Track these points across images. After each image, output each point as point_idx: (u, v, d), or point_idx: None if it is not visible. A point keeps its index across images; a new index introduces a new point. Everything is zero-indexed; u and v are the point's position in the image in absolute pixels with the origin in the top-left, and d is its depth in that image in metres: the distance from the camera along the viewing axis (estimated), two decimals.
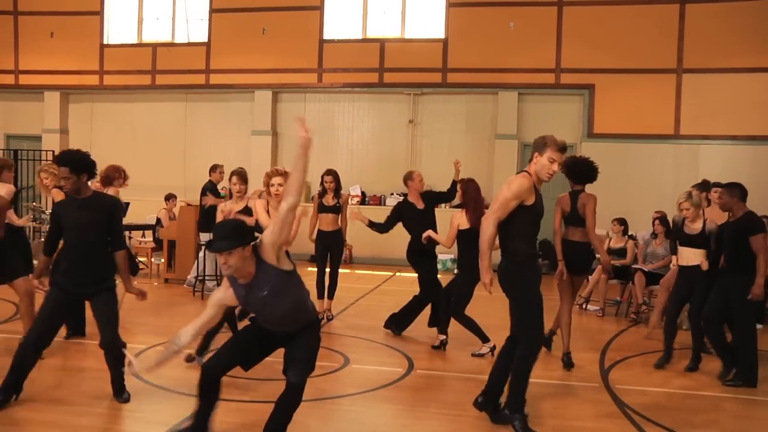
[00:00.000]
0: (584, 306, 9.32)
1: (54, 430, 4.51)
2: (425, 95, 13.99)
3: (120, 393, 5.02)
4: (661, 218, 8.87)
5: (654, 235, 8.98)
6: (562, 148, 4.47)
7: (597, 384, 5.87)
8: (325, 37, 14.21)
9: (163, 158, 14.60)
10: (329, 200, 7.93)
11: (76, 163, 4.74)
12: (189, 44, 14.85)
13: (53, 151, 15.03)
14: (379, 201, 13.56)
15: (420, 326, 7.37)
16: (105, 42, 15.17)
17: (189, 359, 5.97)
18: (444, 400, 5.26)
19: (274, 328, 4.02)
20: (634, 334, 7.67)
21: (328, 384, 5.59)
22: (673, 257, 6.94)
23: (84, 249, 4.79)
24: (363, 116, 14.35)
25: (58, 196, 6.65)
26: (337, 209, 7.96)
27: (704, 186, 7.41)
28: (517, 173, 5.02)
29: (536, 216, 4.57)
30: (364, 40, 14.17)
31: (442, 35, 13.78)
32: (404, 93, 14.01)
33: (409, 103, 14.01)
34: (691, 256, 6.25)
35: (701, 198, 6.53)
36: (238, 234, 3.75)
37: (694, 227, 6.27)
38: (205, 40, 14.69)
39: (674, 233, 6.61)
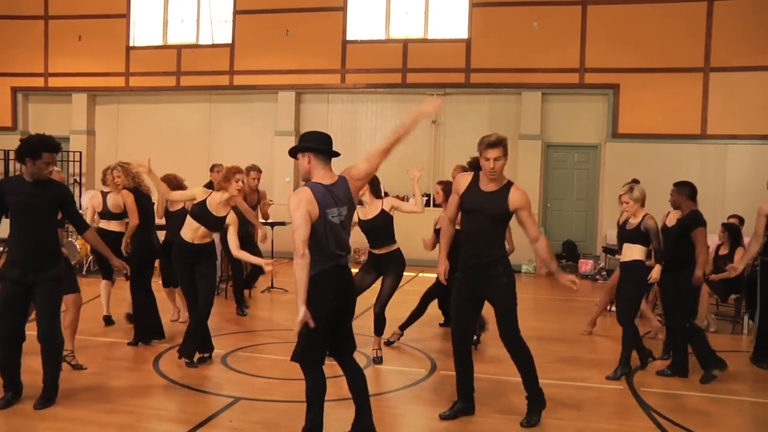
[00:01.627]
0: (609, 308, 9.24)
1: (78, 426, 4.58)
2: (448, 95, 13.96)
3: (47, 399, 4.82)
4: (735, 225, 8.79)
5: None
6: (490, 143, 4.58)
7: (622, 386, 5.82)
8: (348, 37, 14.25)
9: (188, 159, 14.72)
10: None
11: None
12: (213, 46, 14.99)
13: (80, 152, 15.30)
14: (403, 200, 13.58)
15: (443, 328, 7.37)
16: (131, 44, 15.36)
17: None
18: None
19: None
20: (651, 337, 7.58)
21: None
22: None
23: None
24: (386, 117, 14.36)
25: (128, 198, 6.85)
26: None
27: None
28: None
29: (463, 209, 4.76)
30: (387, 41, 14.19)
31: (465, 35, 13.75)
32: (427, 93, 13.97)
33: None
34: (628, 252, 6.12)
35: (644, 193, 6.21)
36: None
37: (633, 222, 6.10)
38: (229, 41, 14.82)
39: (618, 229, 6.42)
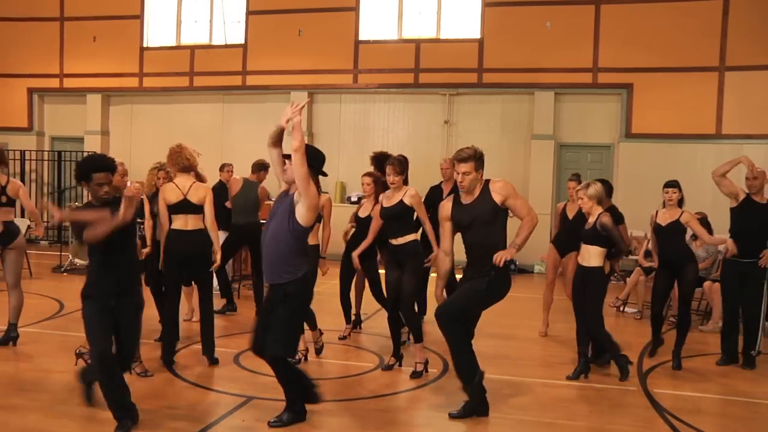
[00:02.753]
0: (622, 308, 9.19)
1: (93, 424, 4.61)
2: (461, 95, 13.93)
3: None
4: (702, 220, 8.68)
5: (694, 237, 8.81)
6: (459, 158, 4.72)
7: (635, 388, 5.78)
8: (361, 38, 14.25)
9: (201, 159, 14.72)
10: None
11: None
12: (226, 46, 15.04)
13: (94, 152, 15.40)
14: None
15: None
16: (145, 45, 15.44)
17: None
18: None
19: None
20: (673, 337, 7.50)
21: (362, 384, 5.60)
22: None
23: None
24: (398, 117, 14.35)
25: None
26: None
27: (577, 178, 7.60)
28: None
29: (459, 226, 4.89)
30: (400, 41, 14.17)
31: (477, 35, 13.71)
32: (440, 93, 13.97)
33: (445, 104, 13.97)
34: (584, 255, 5.87)
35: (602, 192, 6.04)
36: None
37: (590, 221, 5.88)
38: (242, 41, 14.86)
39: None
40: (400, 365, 6.01)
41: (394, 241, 5.85)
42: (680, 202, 6.40)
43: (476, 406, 4.84)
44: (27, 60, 15.93)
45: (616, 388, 5.77)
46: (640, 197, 10.81)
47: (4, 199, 6.43)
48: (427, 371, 5.84)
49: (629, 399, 5.52)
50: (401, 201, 5.77)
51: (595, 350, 6.18)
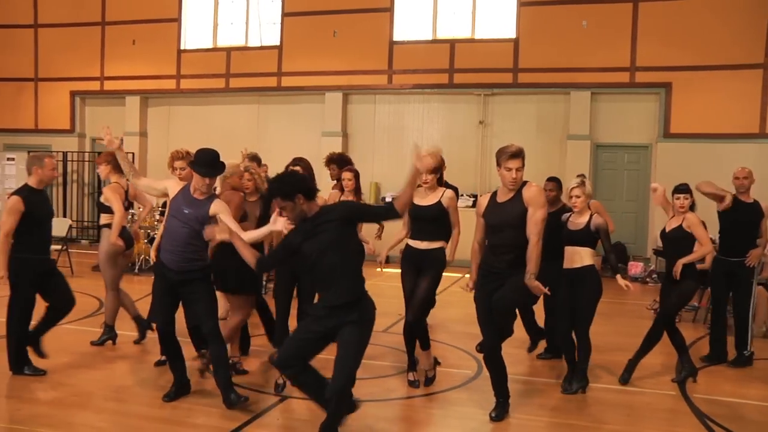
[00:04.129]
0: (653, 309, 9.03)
1: (132, 419, 4.69)
2: (496, 96, 13.85)
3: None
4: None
5: None
6: (512, 154, 4.64)
7: (674, 392, 5.68)
8: (395, 38, 14.26)
9: (236, 159, 14.93)
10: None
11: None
12: (262, 48, 15.17)
13: (133, 153, 15.66)
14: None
15: None
16: (182, 47, 15.66)
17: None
18: (513, 403, 5.16)
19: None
20: (702, 345, 7.34)
21: (396, 385, 5.60)
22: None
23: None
24: (433, 117, 14.32)
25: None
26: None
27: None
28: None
29: (488, 226, 4.81)
30: (434, 41, 14.14)
31: (513, 35, 13.61)
32: (474, 93, 13.91)
33: (480, 104, 13.90)
34: (574, 256, 5.55)
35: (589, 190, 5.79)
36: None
37: (579, 221, 5.58)
38: (278, 43, 14.97)
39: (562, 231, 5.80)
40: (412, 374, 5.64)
41: (418, 244, 5.34)
42: (691, 208, 6.01)
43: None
44: (70, 64, 16.29)
45: (654, 391, 5.67)
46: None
47: (126, 204, 6.66)
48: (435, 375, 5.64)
49: (667, 403, 5.42)
50: (439, 202, 5.34)
51: (548, 345, 6.21)
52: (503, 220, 4.70)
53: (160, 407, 4.95)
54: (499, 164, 4.71)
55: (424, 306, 5.35)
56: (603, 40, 12.95)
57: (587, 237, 5.54)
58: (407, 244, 5.48)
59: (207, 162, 4.87)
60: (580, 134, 13.14)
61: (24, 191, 5.56)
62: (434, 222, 5.38)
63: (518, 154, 4.65)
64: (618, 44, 12.92)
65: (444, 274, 5.49)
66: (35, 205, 5.51)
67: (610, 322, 8.31)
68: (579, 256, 5.55)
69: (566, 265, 5.60)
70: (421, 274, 5.34)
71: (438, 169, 5.40)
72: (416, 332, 5.42)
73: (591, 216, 5.57)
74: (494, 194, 4.86)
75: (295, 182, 4.21)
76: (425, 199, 5.38)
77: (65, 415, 4.77)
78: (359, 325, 4.08)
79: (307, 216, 4.15)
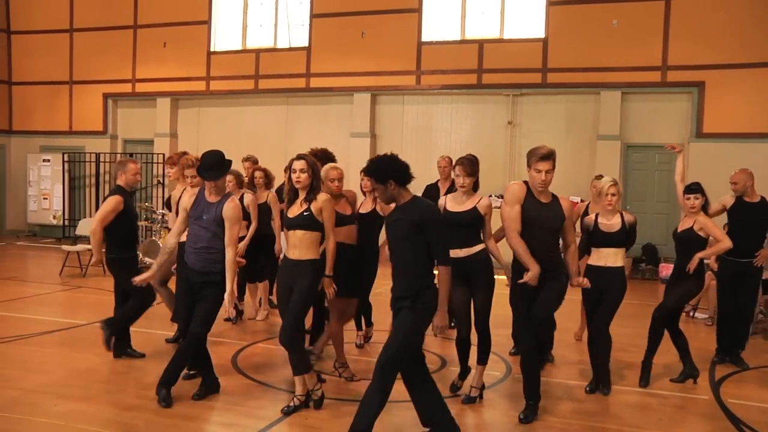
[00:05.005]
0: (692, 314, 8.88)
1: (162, 418, 4.73)
2: (524, 96, 13.74)
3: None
4: None
5: None
6: (543, 156, 4.64)
7: (707, 397, 5.57)
8: (424, 39, 14.22)
9: (265, 160, 14.80)
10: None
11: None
12: (290, 49, 15.25)
13: (164, 154, 15.84)
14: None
15: None
16: (212, 49, 15.81)
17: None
18: (541, 407, 5.10)
19: None
20: (748, 345, 7.20)
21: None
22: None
23: None
24: (461, 118, 14.25)
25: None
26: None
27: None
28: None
29: (527, 223, 4.71)
30: (463, 42, 14.08)
31: (542, 35, 13.50)
32: (503, 94, 13.81)
33: (508, 104, 13.81)
34: (608, 257, 5.48)
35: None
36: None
37: (613, 222, 5.48)
38: (306, 44, 15.03)
39: (584, 233, 5.70)
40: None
41: (458, 253, 4.96)
42: (703, 208, 5.94)
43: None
44: (103, 67, 16.55)
45: (687, 396, 5.57)
46: (712, 199, 10.42)
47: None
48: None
49: (700, 408, 5.32)
50: (475, 208, 5.10)
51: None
52: (543, 220, 4.69)
53: (188, 406, 4.99)
54: (529, 165, 4.70)
55: (488, 316, 5.15)
56: (634, 38, 12.77)
57: (624, 237, 5.50)
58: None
59: (210, 165, 4.97)
60: (610, 134, 12.97)
61: (122, 191, 6.04)
62: (470, 229, 5.13)
63: (549, 156, 4.64)
64: (649, 43, 12.74)
65: None
66: (129, 205, 6.05)
67: (639, 324, 8.17)
68: (614, 256, 5.49)
69: (596, 263, 5.53)
70: (473, 286, 5.09)
71: (475, 172, 5.18)
72: (484, 344, 5.20)
73: (622, 215, 5.50)
74: (529, 188, 4.76)
75: (389, 167, 4.28)
76: (461, 204, 5.15)
77: (96, 411, 4.83)
78: (411, 310, 4.16)
79: (398, 203, 4.30)
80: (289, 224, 4.90)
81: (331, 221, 4.93)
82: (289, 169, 4.90)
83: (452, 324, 7.19)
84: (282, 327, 4.84)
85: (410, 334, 4.18)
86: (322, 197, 4.88)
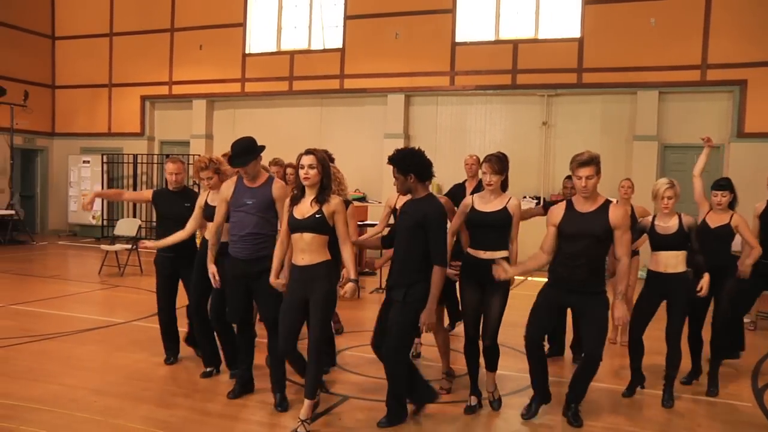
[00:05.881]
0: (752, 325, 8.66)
1: (197, 415, 4.78)
2: (559, 96, 13.61)
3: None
4: None
5: None
6: (582, 162, 4.57)
7: (749, 404, 5.43)
8: (458, 39, 14.17)
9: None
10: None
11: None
12: (324, 50, 15.32)
13: (199, 155, 16.02)
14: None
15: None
16: (247, 51, 15.96)
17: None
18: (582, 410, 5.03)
19: None
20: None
21: (461, 387, 5.52)
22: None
23: None
24: (495, 118, 14.17)
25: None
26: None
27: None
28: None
29: (563, 235, 4.68)
30: (497, 42, 13.99)
31: (577, 34, 13.35)
32: (538, 94, 13.70)
33: (543, 105, 13.68)
34: (669, 261, 5.28)
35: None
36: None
37: (670, 225, 5.30)
38: (340, 46, 15.09)
39: (638, 235, 5.60)
40: (481, 405, 5.12)
41: (479, 254, 4.86)
42: (731, 205, 5.84)
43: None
44: (141, 70, 16.85)
45: (728, 402, 5.43)
46: (752, 201, 10.17)
47: None
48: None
49: (743, 416, 5.18)
50: (505, 209, 4.86)
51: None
52: (582, 230, 4.58)
53: (224, 404, 5.02)
54: (572, 172, 4.64)
55: (498, 327, 4.92)
56: (672, 37, 12.55)
57: (682, 240, 5.30)
58: (467, 253, 4.97)
59: (239, 151, 4.86)
60: (647, 135, 12.77)
61: (158, 188, 6.29)
62: (498, 230, 4.89)
63: (588, 162, 4.55)
64: (688, 41, 12.50)
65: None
66: (161, 204, 5.97)
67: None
68: (675, 261, 5.29)
69: (657, 268, 5.36)
70: (488, 290, 4.85)
71: (503, 170, 4.92)
72: (492, 355, 5.00)
73: (680, 217, 5.34)
74: (569, 203, 4.73)
75: (413, 161, 4.49)
76: (489, 204, 4.90)
77: (133, 408, 4.89)
78: (402, 304, 4.45)
79: (413, 197, 4.50)
80: (297, 226, 4.46)
81: (345, 226, 4.55)
82: (297, 163, 4.59)
83: (453, 327, 7.16)
84: (311, 339, 4.46)
85: (405, 328, 4.48)
86: (335, 200, 4.50)
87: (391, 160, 4.54)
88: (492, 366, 5.06)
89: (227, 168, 5.54)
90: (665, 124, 12.85)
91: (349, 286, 4.49)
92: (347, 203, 5.23)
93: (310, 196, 4.48)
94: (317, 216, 4.40)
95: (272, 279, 4.65)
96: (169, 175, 5.95)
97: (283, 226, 4.66)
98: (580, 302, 4.65)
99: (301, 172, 4.46)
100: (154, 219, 17.04)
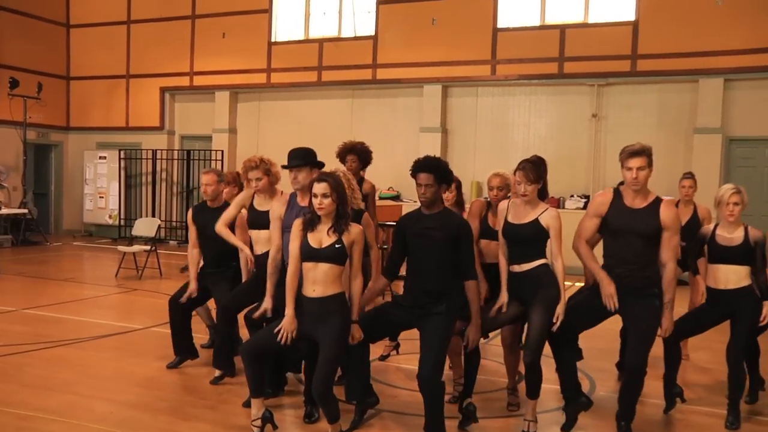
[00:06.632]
0: None
1: (217, 428, 4.82)
2: (611, 86, 13.45)
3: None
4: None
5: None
6: (633, 152, 4.51)
7: None
8: (499, 25, 14.09)
9: (329, 156, 15.06)
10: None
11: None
12: (356, 38, 15.37)
13: (222, 151, 16.20)
14: (558, 203, 13.09)
15: (607, 343, 7.06)
16: (273, 40, 16.08)
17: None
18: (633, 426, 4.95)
19: None
20: None
21: (504, 402, 5.48)
22: (697, 277, 5.91)
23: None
24: (540, 111, 14.06)
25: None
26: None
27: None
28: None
29: (608, 230, 4.65)
30: (542, 27, 13.88)
31: (632, 17, 13.17)
32: (587, 84, 13.55)
33: (593, 95, 13.53)
34: (729, 276, 5.13)
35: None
36: None
37: (735, 236, 5.14)
38: (372, 33, 15.12)
39: (699, 245, 5.46)
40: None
41: (516, 268, 4.80)
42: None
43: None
44: (160, 59, 17.08)
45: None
46: None
47: None
48: None
49: None
50: (536, 221, 4.72)
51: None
52: (632, 228, 4.50)
53: (247, 416, 5.06)
54: (621, 164, 4.57)
55: (542, 344, 4.68)
56: (741, 17, 12.28)
57: (746, 254, 5.13)
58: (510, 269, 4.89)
59: (297, 153, 5.01)
60: (709, 127, 12.54)
61: (196, 205, 6.40)
62: (530, 243, 4.77)
63: (640, 153, 4.48)
64: (759, 22, 12.20)
65: None
66: (199, 221, 6.16)
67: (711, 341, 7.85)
68: (736, 276, 5.15)
69: (716, 285, 5.23)
70: (530, 305, 4.71)
71: (539, 177, 4.75)
72: (532, 376, 4.75)
73: (746, 229, 5.18)
74: (618, 194, 4.65)
75: (449, 173, 4.58)
76: (522, 216, 4.79)
77: (151, 420, 4.95)
78: (445, 316, 4.50)
79: (433, 210, 4.56)
80: (312, 255, 4.36)
81: (360, 258, 4.51)
82: (310, 190, 4.44)
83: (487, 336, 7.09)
84: (316, 379, 4.33)
85: (447, 341, 4.52)
86: (355, 229, 4.45)
87: (438, 169, 4.49)
88: (532, 391, 4.79)
89: (278, 170, 5.60)
90: (731, 115, 12.59)
91: (354, 329, 4.49)
92: (360, 213, 5.14)
93: (326, 223, 4.41)
94: (337, 246, 4.33)
95: (267, 304, 5.00)
96: (202, 186, 6.15)
97: (292, 253, 4.50)
98: (626, 306, 4.55)
99: (315, 202, 4.35)
100: (174, 220, 17.23)
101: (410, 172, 4.57)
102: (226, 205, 6.09)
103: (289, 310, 4.42)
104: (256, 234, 5.60)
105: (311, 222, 4.41)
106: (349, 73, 15.20)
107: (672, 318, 4.55)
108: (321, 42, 15.64)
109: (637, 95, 13.34)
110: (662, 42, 12.79)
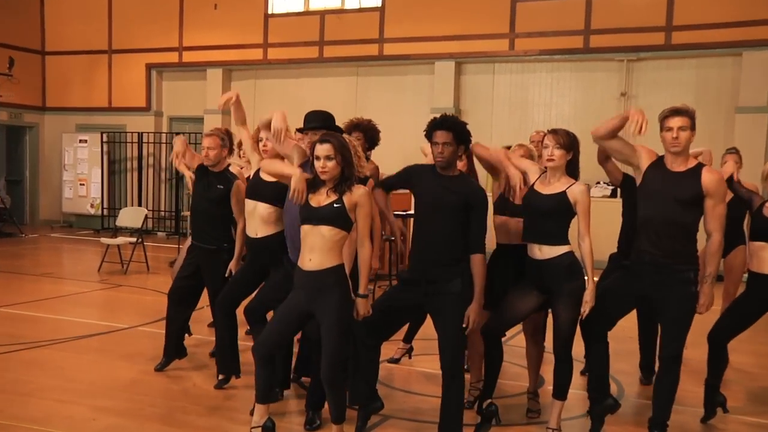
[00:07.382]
0: None
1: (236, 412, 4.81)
2: (642, 61, 13.36)
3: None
4: None
5: None
6: (674, 110, 4.46)
7: None
8: None
9: None
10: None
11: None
12: (360, 10, 15.29)
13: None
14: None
15: (617, 343, 7.01)
16: (270, 12, 16.01)
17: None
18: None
19: None
20: None
21: (524, 408, 5.45)
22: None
23: None
24: (563, 89, 13.98)
25: None
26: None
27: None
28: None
29: (643, 191, 4.60)
30: None
31: None
32: (615, 59, 13.46)
33: (622, 72, 13.45)
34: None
35: None
36: None
37: None
38: (379, 4, 15.04)
39: (746, 203, 5.44)
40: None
41: (535, 253, 4.67)
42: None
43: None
44: (146, 33, 17.01)
45: None
46: None
47: None
48: None
49: None
50: (563, 193, 4.60)
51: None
52: (669, 191, 4.43)
53: (245, 423, 5.03)
54: (661, 126, 4.50)
55: (572, 337, 4.67)
56: None
57: None
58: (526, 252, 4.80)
59: (315, 116, 5.11)
60: (754, 105, 12.43)
61: (200, 166, 6.31)
62: (551, 219, 4.64)
63: (682, 112, 4.44)
64: None
65: None
66: (198, 180, 6.28)
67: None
68: None
69: (760, 268, 5.15)
70: (555, 298, 4.65)
71: (570, 146, 4.68)
72: (561, 374, 4.76)
73: None
74: (661, 158, 4.58)
75: (468, 133, 4.61)
76: (548, 186, 4.70)
77: (138, 427, 4.93)
78: (460, 297, 4.48)
79: (449, 173, 4.57)
80: (310, 216, 4.26)
81: (368, 222, 4.37)
82: (311, 152, 4.36)
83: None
84: (323, 364, 4.27)
85: (461, 326, 4.48)
86: (359, 190, 4.29)
87: (454, 125, 4.54)
88: (560, 391, 4.76)
89: (290, 134, 5.53)
90: None
91: (359, 303, 4.40)
92: (365, 180, 4.90)
93: (328, 185, 4.31)
94: (336, 205, 4.21)
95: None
96: (203, 150, 6.11)
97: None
98: (657, 286, 4.49)
99: (317, 165, 4.25)
100: (161, 209, 17.20)
101: (424, 132, 4.58)
102: (226, 171, 6.09)
103: (295, 169, 4.50)
104: (252, 206, 5.40)
105: (314, 184, 4.35)
106: (354, 48, 15.13)
107: (712, 293, 4.47)
108: (322, 14, 15.56)
109: (671, 71, 13.25)
110: (701, 11, 12.67)
